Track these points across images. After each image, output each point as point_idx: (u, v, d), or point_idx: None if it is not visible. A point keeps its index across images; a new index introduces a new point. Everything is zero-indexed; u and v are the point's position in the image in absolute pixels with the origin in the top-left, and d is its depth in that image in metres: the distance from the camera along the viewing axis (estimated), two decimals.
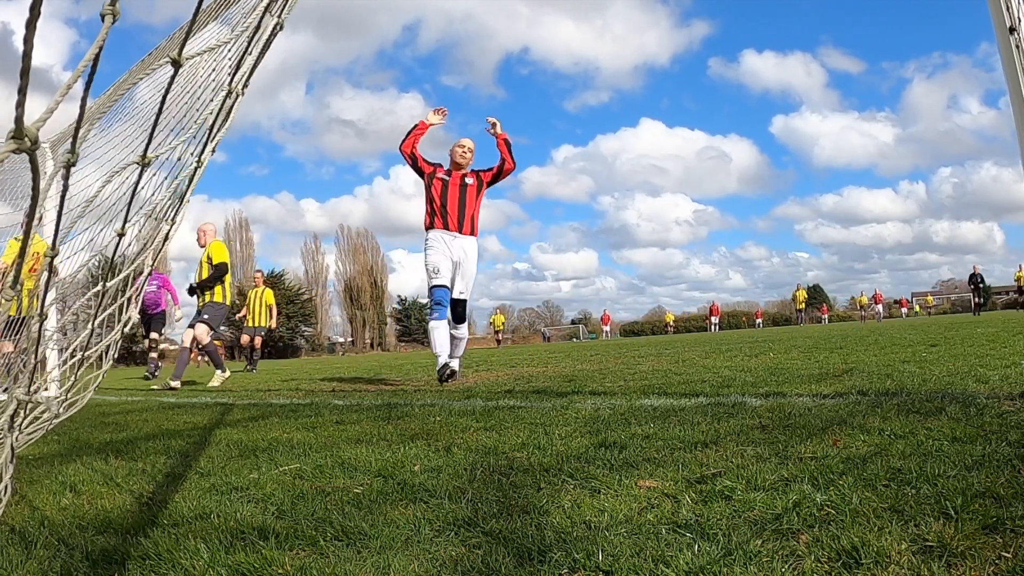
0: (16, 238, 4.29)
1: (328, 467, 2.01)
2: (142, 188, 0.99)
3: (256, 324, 12.59)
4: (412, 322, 54.39)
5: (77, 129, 0.67)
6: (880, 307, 36.83)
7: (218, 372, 7.46)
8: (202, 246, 7.68)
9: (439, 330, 5.35)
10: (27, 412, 1.29)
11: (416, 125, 5.51)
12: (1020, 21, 2.28)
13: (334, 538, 1.33)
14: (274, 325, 12.81)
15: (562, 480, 1.65)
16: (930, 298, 50.96)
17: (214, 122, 1.05)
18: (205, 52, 0.94)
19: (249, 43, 1.03)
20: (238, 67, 1.06)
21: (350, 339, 53.20)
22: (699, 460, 1.74)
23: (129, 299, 1.37)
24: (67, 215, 0.92)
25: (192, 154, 1.09)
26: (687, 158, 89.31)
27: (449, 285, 5.40)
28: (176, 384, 7.16)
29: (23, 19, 0.51)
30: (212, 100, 1.06)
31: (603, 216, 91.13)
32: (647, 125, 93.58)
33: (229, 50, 1.12)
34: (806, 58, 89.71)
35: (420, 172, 5.54)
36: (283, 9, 1.06)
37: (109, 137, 1.78)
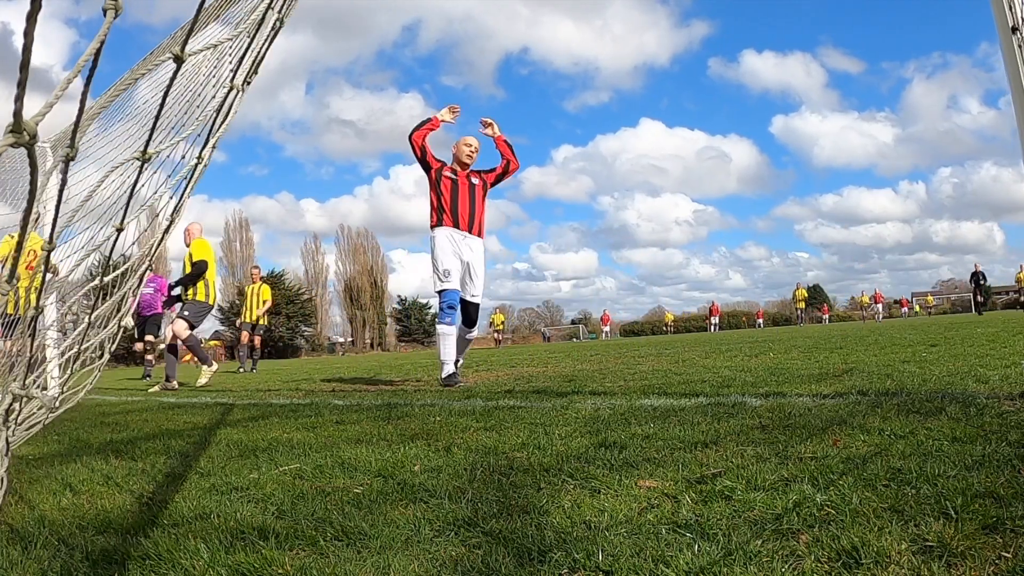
0: (12, 235, 4.29)
1: (328, 467, 2.01)
2: (143, 185, 0.99)
3: (254, 320, 12.57)
4: (412, 322, 54.37)
5: (77, 124, 0.67)
6: (880, 307, 36.86)
7: (204, 368, 7.39)
8: (187, 245, 7.69)
9: (449, 337, 5.12)
10: (22, 407, 1.29)
11: (429, 119, 5.34)
12: (1022, 21, 2.28)
13: (334, 538, 1.33)
14: (264, 320, 12.75)
15: (562, 480, 1.65)
16: (930, 298, 50.95)
17: (214, 118, 1.05)
18: (207, 49, 0.94)
19: (251, 39, 1.03)
20: (239, 64, 1.06)
21: (350, 339, 53.18)
22: (699, 460, 1.74)
23: (124, 298, 1.38)
24: (66, 212, 0.92)
25: (193, 153, 1.09)
26: (687, 158, 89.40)
27: (459, 288, 5.20)
28: (175, 384, 7.16)
29: (23, 17, 0.51)
30: (214, 97, 1.06)
31: (603, 216, 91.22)
32: (647, 125, 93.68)
33: (231, 47, 1.12)
34: (806, 58, 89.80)
35: (427, 167, 5.34)
36: (284, 5, 1.06)
37: (111, 136, 1.78)
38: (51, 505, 1.80)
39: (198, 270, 7.38)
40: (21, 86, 0.53)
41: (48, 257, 0.82)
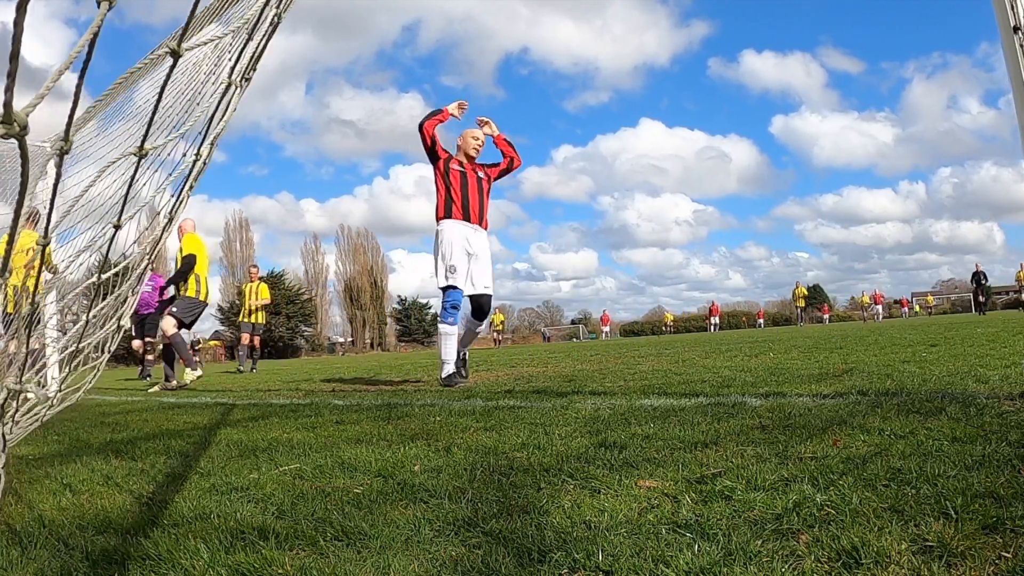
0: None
1: (328, 467, 2.00)
2: (144, 184, 0.99)
3: (253, 320, 12.56)
4: (412, 322, 54.37)
5: (71, 118, 0.67)
6: (880, 308, 36.88)
7: (188, 371, 7.28)
8: (180, 242, 7.68)
9: (452, 337, 5.05)
10: (19, 403, 1.28)
11: (440, 110, 5.27)
12: None
13: (334, 538, 1.33)
14: (262, 319, 12.72)
15: (562, 480, 1.65)
16: (930, 298, 50.97)
17: (213, 115, 1.05)
18: (204, 44, 0.94)
19: (249, 34, 1.03)
20: (237, 61, 1.06)
21: (350, 339, 53.19)
22: (699, 460, 1.74)
23: (124, 297, 1.37)
24: (65, 210, 0.92)
25: (193, 152, 1.09)
26: (687, 158, 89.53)
27: (463, 287, 5.12)
28: (174, 383, 7.16)
29: (14, 7, 0.51)
30: (214, 95, 1.06)
31: (603, 216, 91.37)
32: (647, 125, 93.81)
33: (230, 44, 1.12)
34: (806, 58, 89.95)
35: (435, 157, 5.21)
36: (282, 2, 1.06)
37: (112, 136, 1.78)
38: (51, 505, 1.80)
39: (187, 265, 7.31)
40: (11, 76, 0.52)
41: (44, 251, 0.82)
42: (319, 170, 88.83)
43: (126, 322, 1.47)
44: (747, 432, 2.07)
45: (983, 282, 26.13)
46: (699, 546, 1.13)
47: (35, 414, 1.58)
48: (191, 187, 1.17)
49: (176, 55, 0.74)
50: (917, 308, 48.14)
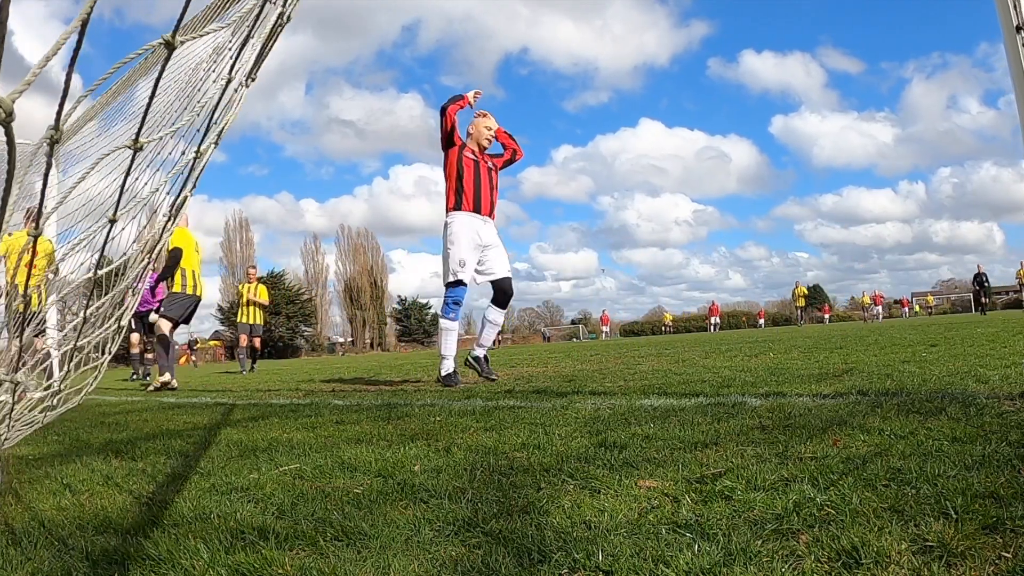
0: (9, 233, 4.29)
1: (328, 467, 2.00)
2: (145, 184, 0.99)
3: (251, 321, 12.54)
4: (412, 322, 54.39)
5: (61, 104, 0.66)
6: (879, 308, 36.90)
7: (163, 375, 7.07)
8: None
9: (453, 332, 5.01)
10: (15, 400, 1.28)
11: (461, 96, 5.22)
12: None
13: (334, 538, 1.33)
14: (259, 318, 12.70)
15: (562, 480, 1.65)
16: (930, 298, 50.99)
17: (214, 112, 1.05)
18: (202, 35, 0.94)
19: (251, 31, 1.03)
20: (238, 56, 1.06)
21: (350, 339, 53.19)
22: (699, 460, 1.74)
23: (123, 296, 1.37)
24: (59, 201, 0.92)
25: (192, 150, 1.09)
26: (686, 158, 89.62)
27: (469, 281, 5.07)
28: (174, 383, 7.15)
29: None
30: (213, 93, 1.06)
31: (603, 216, 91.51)
32: (646, 125, 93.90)
33: (230, 40, 1.12)
34: (805, 58, 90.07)
35: (451, 143, 5.12)
36: (287, 1, 1.06)
37: (113, 136, 1.78)
38: (51, 505, 1.79)
39: (173, 259, 7.21)
40: None
41: (35, 242, 0.82)
42: (319, 170, 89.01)
43: (126, 323, 1.47)
44: (747, 432, 2.07)
45: (985, 284, 26.09)
46: (699, 546, 1.13)
47: (34, 418, 1.58)
48: (193, 186, 1.16)
49: (171, 46, 0.74)
50: (917, 308, 48.16)
